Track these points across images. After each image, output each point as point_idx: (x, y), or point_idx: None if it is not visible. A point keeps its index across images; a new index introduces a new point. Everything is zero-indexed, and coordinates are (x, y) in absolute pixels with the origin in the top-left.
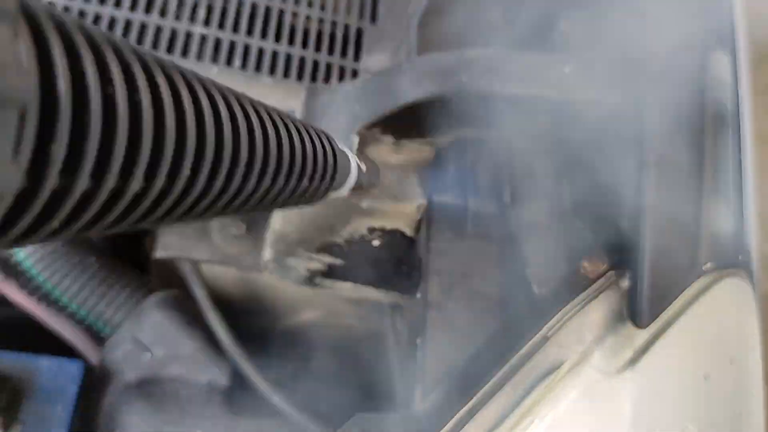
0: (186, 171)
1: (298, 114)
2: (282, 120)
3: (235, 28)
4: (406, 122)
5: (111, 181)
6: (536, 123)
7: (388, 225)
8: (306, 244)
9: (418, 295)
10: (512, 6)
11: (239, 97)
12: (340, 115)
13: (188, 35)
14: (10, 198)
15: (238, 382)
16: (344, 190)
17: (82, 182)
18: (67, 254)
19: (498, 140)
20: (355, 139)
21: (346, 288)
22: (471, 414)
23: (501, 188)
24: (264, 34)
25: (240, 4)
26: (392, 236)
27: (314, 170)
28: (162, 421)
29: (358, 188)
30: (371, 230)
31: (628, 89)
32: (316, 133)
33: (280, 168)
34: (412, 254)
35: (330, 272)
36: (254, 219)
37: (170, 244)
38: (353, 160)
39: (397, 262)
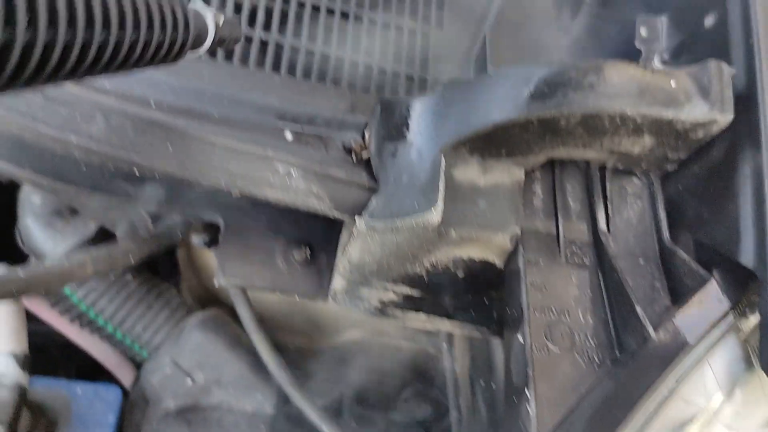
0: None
1: (373, 127)
2: None
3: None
4: (496, 142)
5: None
6: None
7: (476, 255)
8: (382, 274)
9: (519, 338)
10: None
11: None
12: (421, 133)
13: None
14: None
15: (283, 408)
16: (205, 46)
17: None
18: None
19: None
20: (441, 159)
21: (417, 319)
22: None
23: (595, 213)
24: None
25: (299, 5)
26: (479, 267)
27: (163, 19)
28: None
29: (221, 42)
30: (456, 261)
31: None
32: None
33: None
34: (499, 287)
35: (404, 303)
36: (318, 243)
37: (233, 270)
38: (209, 13)
39: (480, 295)
